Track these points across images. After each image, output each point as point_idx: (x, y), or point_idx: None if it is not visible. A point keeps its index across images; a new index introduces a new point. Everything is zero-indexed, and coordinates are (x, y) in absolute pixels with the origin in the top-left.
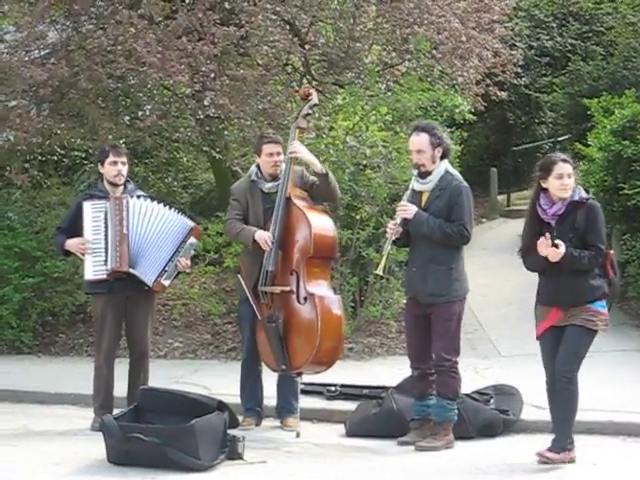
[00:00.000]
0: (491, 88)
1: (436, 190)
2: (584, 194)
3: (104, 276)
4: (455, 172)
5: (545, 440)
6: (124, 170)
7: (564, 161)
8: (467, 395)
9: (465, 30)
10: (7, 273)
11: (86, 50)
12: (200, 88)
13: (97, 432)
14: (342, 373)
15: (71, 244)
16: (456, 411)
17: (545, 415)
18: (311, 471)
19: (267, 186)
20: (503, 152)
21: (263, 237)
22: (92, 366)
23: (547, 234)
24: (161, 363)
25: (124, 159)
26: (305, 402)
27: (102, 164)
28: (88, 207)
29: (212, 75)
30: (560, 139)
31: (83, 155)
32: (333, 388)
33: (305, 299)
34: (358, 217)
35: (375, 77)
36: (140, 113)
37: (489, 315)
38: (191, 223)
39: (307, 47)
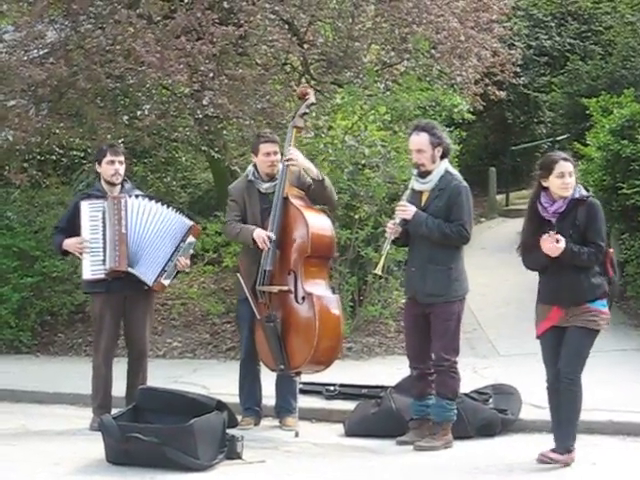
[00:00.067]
0: (490, 87)
1: (436, 190)
2: (584, 192)
3: (102, 276)
4: (455, 172)
5: (544, 439)
6: (121, 169)
7: (565, 160)
8: (466, 395)
9: (464, 29)
10: (6, 273)
11: (85, 50)
12: (199, 87)
13: (96, 432)
14: (341, 373)
15: (69, 244)
16: (455, 411)
17: (544, 414)
18: (310, 471)
19: (264, 186)
20: (502, 151)
21: (261, 236)
22: (91, 366)
23: (551, 232)
24: (160, 363)
25: (121, 158)
26: (304, 402)
27: (99, 163)
28: (86, 206)
29: (211, 74)
30: (559, 138)
31: (82, 155)
32: (332, 388)
33: (303, 298)
34: (357, 217)
35: (374, 76)
36: (139, 112)
37: (488, 314)
38: (190, 222)
39: (306, 46)
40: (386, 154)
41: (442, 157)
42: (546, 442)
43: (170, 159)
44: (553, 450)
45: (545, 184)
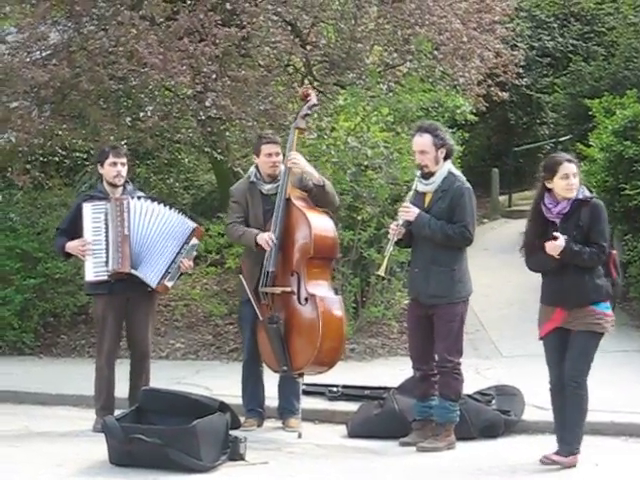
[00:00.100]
0: (492, 89)
1: (439, 191)
2: (588, 193)
3: (105, 277)
4: (458, 173)
5: (547, 440)
6: (124, 171)
7: (569, 161)
8: (469, 396)
9: (466, 31)
10: (9, 274)
11: (87, 51)
12: (201, 89)
13: (99, 433)
14: (344, 374)
15: (71, 246)
16: (458, 412)
17: (547, 416)
18: (313, 472)
19: (266, 187)
20: (504, 153)
21: (264, 237)
22: (93, 367)
23: (556, 233)
24: (163, 364)
25: (124, 160)
26: (307, 403)
27: (102, 165)
28: (88, 208)
29: (213, 76)
30: (561, 139)
31: (84, 156)
32: (335, 389)
33: (306, 300)
34: (359, 218)
35: (376, 78)
36: (142, 114)
37: (490, 315)
38: (193, 224)
39: (308, 48)
40: (389, 155)
41: (445, 158)
42: (549, 443)
43: (173, 160)
44: (557, 453)
45: (549, 185)
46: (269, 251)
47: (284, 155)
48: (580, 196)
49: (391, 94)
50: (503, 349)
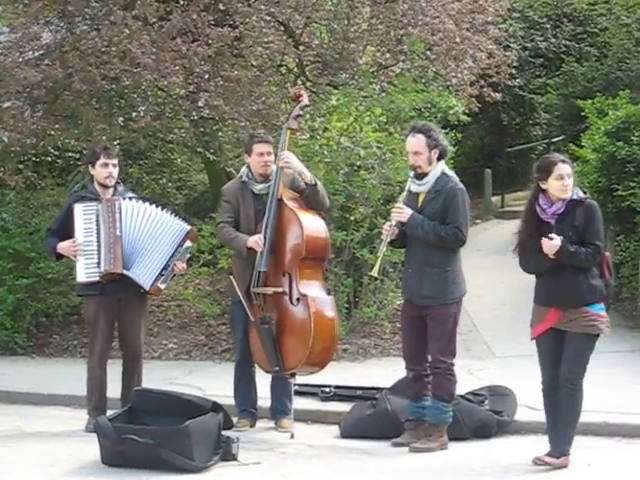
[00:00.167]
0: (485, 89)
1: (432, 192)
2: (581, 193)
3: (97, 278)
4: (451, 173)
5: (539, 441)
6: (115, 172)
7: (563, 162)
8: (461, 396)
9: (459, 31)
10: (1, 274)
11: (80, 51)
12: (194, 89)
13: (91, 433)
14: (336, 374)
15: (63, 247)
16: (451, 413)
17: (540, 416)
18: (305, 472)
19: (258, 187)
20: (497, 153)
21: (254, 239)
22: (86, 367)
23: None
24: (155, 364)
25: (115, 161)
26: (299, 403)
27: (93, 166)
28: (79, 209)
29: (206, 76)
30: (554, 140)
31: (77, 156)
32: (327, 389)
33: (298, 300)
34: (352, 218)
35: (369, 78)
36: (134, 114)
37: (483, 316)
38: (187, 226)
39: (301, 48)
40: (381, 156)
41: (439, 159)
42: (541, 444)
43: (165, 161)
44: (548, 454)
45: (544, 186)
46: (260, 251)
47: (276, 155)
48: (574, 197)
49: (384, 94)
50: (496, 350)
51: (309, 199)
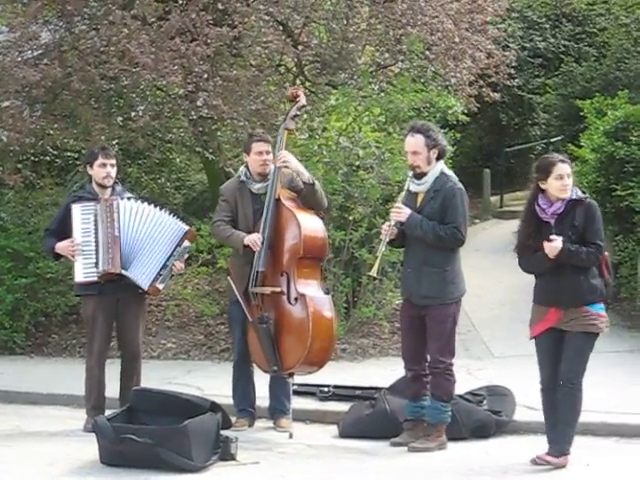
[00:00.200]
0: (484, 89)
1: (431, 191)
2: (581, 193)
3: (95, 278)
4: (451, 173)
5: (538, 441)
6: (113, 172)
7: (562, 161)
8: (460, 396)
9: (458, 31)
10: (0, 274)
11: (79, 51)
12: (193, 89)
13: (90, 433)
14: (335, 374)
15: (61, 247)
16: (450, 413)
17: (538, 416)
18: (304, 472)
19: (256, 187)
20: (496, 153)
21: (252, 238)
22: (84, 367)
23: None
24: (154, 364)
25: (113, 161)
26: (298, 403)
27: (91, 166)
28: (77, 209)
29: (205, 76)
30: (553, 140)
31: (76, 156)
32: (326, 389)
33: (296, 300)
34: (351, 218)
35: (368, 78)
36: (133, 114)
37: (482, 316)
38: (185, 227)
39: (300, 48)
40: (380, 155)
41: (438, 159)
42: (540, 444)
43: (164, 160)
44: (549, 453)
45: (543, 186)
46: (258, 251)
47: (274, 155)
48: (574, 196)
49: (383, 94)
50: (494, 349)
51: (307, 199)
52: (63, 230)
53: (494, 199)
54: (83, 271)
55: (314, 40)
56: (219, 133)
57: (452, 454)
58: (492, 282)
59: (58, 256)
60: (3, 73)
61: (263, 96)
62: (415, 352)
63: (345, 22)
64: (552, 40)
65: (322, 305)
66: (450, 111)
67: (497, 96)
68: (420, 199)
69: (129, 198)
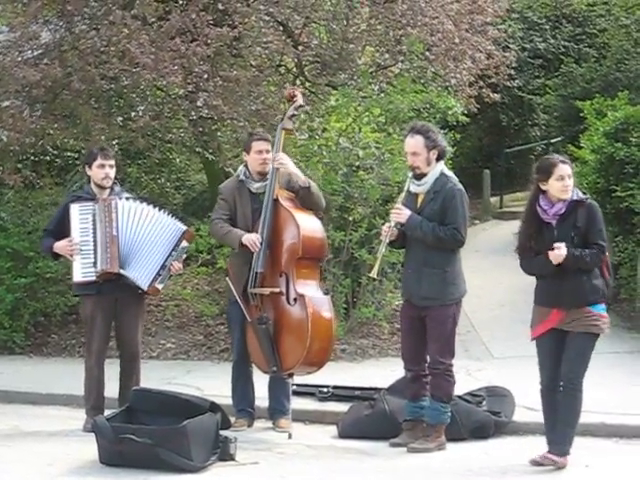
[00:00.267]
0: (484, 90)
1: (431, 192)
2: (581, 194)
3: (93, 278)
4: (451, 174)
5: (537, 442)
6: (112, 173)
7: (563, 162)
8: (459, 397)
9: (458, 32)
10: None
11: (79, 50)
12: (193, 89)
13: (89, 433)
14: (334, 374)
15: (59, 246)
16: (449, 414)
17: (538, 417)
18: (303, 472)
19: (255, 186)
20: (496, 154)
21: (251, 239)
22: (84, 367)
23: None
24: (153, 364)
25: (112, 162)
26: (297, 403)
27: (89, 166)
28: (75, 209)
29: (205, 76)
30: (553, 141)
31: (76, 155)
32: (325, 389)
33: (295, 300)
34: (351, 218)
35: (368, 78)
36: (133, 114)
37: (482, 317)
38: (183, 227)
39: (300, 48)
40: (380, 156)
41: (438, 159)
42: (539, 444)
43: (164, 160)
44: (550, 452)
45: (544, 187)
46: (257, 252)
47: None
48: (575, 197)
49: (383, 95)
50: (494, 350)
51: (304, 200)
52: (61, 230)
53: (494, 200)
54: (81, 271)
55: (314, 40)
56: (219, 133)
57: (451, 455)
58: (492, 283)
59: (57, 256)
60: (3, 73)
61: (263, 96)
62: (415, 353)
63: (345, 23)
64: (552, 41)
65: (321, 305)
66: (450, 112)
67: (497, 97)
68: (420, 200)
69: (127, 198)
